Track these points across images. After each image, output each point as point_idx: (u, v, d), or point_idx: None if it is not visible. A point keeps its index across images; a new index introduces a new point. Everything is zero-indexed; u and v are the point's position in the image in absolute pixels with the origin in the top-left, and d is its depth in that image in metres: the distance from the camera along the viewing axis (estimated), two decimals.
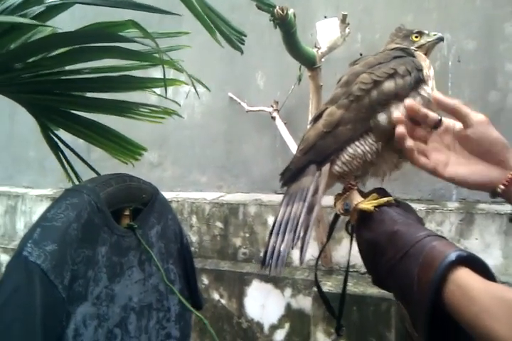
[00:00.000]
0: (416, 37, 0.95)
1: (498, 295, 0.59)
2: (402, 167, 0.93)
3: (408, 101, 0.81)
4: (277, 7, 1.73)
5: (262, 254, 0.86)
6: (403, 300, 0.74)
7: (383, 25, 2.59)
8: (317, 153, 0.88)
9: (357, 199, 0.86)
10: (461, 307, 0.61)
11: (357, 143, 0.86)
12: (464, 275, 0.63)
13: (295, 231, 0.82)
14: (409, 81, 0.85)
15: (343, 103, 0.88)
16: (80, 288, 0.93)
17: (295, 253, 2.56)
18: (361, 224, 0.85)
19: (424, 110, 0.80)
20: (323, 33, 2.31)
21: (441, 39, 0.96)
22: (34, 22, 1.11)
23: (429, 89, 0.86)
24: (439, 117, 0.80)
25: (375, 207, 0.83)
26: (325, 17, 2.56)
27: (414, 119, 0.82)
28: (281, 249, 0.82)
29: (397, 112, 0.82)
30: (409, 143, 0.79)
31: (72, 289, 0.90)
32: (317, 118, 0.92)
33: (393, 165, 0.91)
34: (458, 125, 0.77)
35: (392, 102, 0.84)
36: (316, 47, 2.29)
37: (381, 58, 0.90)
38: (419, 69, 0.87)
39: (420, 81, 0.86)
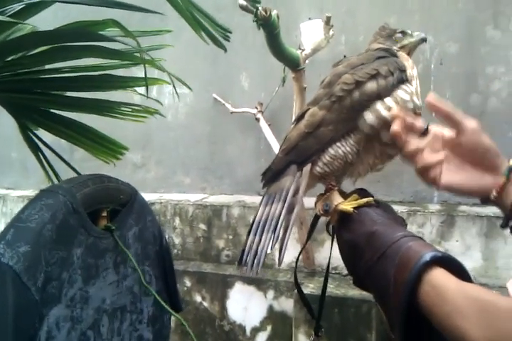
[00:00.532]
0: (399, 37, 0.95)
1: (471, 295, 0.59)
2: (378, 169, 0.93)
3: (392, 112, 0.80)
4: (260, 8, 1.73)
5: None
6: (380, 301, 0.74)
7: (367, 26, 2.60)
8: (298, 153, 0.88)
9: (337, 200, 0.86)
10: (435, 307, 0.61)
11: (338, 144, 0.86)
12: (439, 276, 0.63)
13: (274, 231, 0.83)
14: (392, 81, 0.84)
15: (325, 104, 0.88)
16: (54, 289, 0.91)
17: (277, 255, 2.55)
18: (341, 225, 0.85)
19: (410, 118, 0.79)
20: (307, 35, 2.31)
21: (423, 40, 0.96)
22: (12, 20, 1.09)
23: (413, 89, 0.86)
24: (425, 125, 0.79)
25: (354, 208, 0.83)
26: (309, 19, 2.56)
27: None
28: (259, 249, 0.82)
29: (393, 109, 0.81)
30: (412, 145, 0.78)
31: (46, 291, 0.88)
32: (299, 118, 0.92)
33: (369, 166, 0.91)
34: (446, 132, 0.76)
35: (374, 102, 0.84)
36: (300, 48, 2.29)
37: (364, 59, 0.90)
38: (402, 70, 0.87)
39: (403, 81, 0.86)
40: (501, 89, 2.36)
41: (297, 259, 1.05)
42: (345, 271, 2.32)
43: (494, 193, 0.71)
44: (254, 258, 0.82)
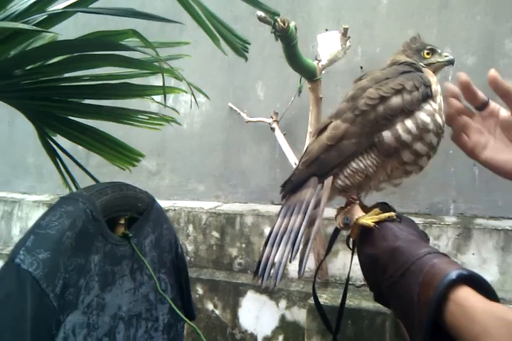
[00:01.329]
0: (428, 54, 0.95)
1: (499, 316, 0.57)
2: (395, 184, 0.92)
3: (463, 76, 0.78)
4: (279, 19, 1.74)
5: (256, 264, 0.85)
6: (403, 318, 0.73)
7: (384, 39, 2.61)
8: (320, 166, 0.88)
9: (358, 214, 0.87)
10: (462, 328, 0.60)
11: (360, 157, 0.86)
12: (465, 295, 0.62)
13: (293, 244, 0.82)
14: (417, 97, 0.84)
15: (348, 117, 0.87)
16: (71, 296, 0.92)
17: (291, 264, 2.55)
18: (363, 240, 0.84)
19: (474, 87, 0.77)
20: (324, 46, 2.32)
21: (451, 62, 0.95)
22: (36, 28, 1.11)
23: (436, 106, 0.86)
24: (487, 99, 0.78)
25: (375, 222, 0.82)
26: (326, 30, 2.58)
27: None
28: (277, 262, 0.81)
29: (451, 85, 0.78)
30: (462, 119, 0.76)
31: (63, 297, 0.89)
32: (321, 131, 0.92)
33: (387, 180, 0.90)
34: (503, 112, 0.75)
35: (398, 118, 0.83)
36: (316, 59, 2.30)
37: (388, 73, 0.90)
38: (427, 85, 0.87)
39: (428, 97, 0.86)
40: None
41: (315, 273, 1.05)
42: (358, 282, 2.31)
43: None
44: (271, 270, 0.81)
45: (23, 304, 0.79)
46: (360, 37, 2.61)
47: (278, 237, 0.84)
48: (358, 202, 0.89)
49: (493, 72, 0.73)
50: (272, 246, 0.84)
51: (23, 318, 0.79)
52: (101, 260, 1.02)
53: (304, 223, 0.83)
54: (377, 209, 0.86)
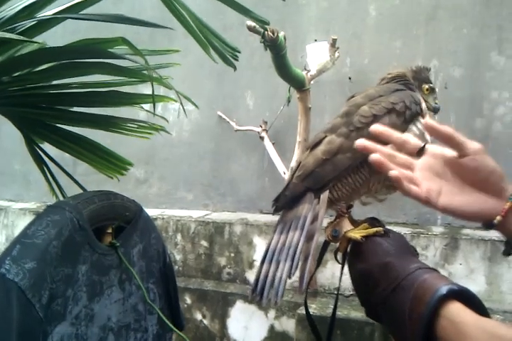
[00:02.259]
0: (427, 90, 0.96)
1: (490, 331, 0.57)
2: (380, 199, 0.93)
3: (373, 127, 0.74)
4: (268, 29, 1.75)
5: (253, 281, 0.84)
6: (395, 333, 0.72)
7: (372, 50, 2.64)
8: (315, 180, 0.88)
9: (346, 227, 0.87)
10: None
11: (351, 171, 0.87)
12: (456, 310, 0.62)
13: (293, 260, 0.81)
14: (407, 116, 0.86)
15: (343, 132, 0.88)
16: (59, 307, 0.90)
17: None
18: (353, 255, 0.84)
19: (399, 136, 0.74)
20: (313, 56, 2.35)
21: (435, 110, 0.96)
22: (21, 37, 1.10)
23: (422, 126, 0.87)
24: (423, 143, 0.74)
25: (363, 236, 0.82)
26: (315, 40, 2.60)
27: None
28: (278, 278, 0.80)
29: (361, 139, 0.74)
30: (394, 171, 0.70)
31: (50, 308, 0.88)
32: (315, 145, 0.92)
33: (373, 194, 0.91)
34: (448, 152, 0.71)
35: None
36: (305, 69, 2.32)
37: (382, 91, 0.91)
38: (418, 103, 0.89)
39: (417, 114, 0.88)
40: (506, 114, 2.38)
41: (307, 285, 1.03)
42: (347, 292, 2.30)
43: (498, 218, 0.66)
44: (271, 288, 0.79)
45: (8, 314, 0.78)
46: (349, 48, 2.63)
47: (276, 254, 0.83)
48: (347, 215, 0.90)
49: (428, 121, 0.70)
50: (270, 263, 0.82)
51: (8, 329, 0.78)
52: (88, 270, 1.00)
53: (302, 238, 0.82)
54: (366, 224, 0.86)
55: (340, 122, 0.90)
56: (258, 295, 0.80)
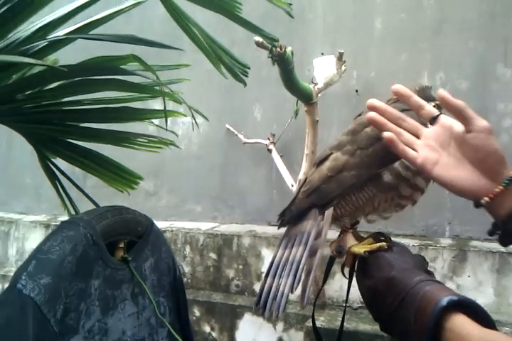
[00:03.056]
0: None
1: None
2: (385, 217, 0.94)
3: (395, 86, 0.75)
4: (276, 45, 1.78)
5: (257, 294, 0.86)
6: None
7: (378, 63, 2.66)
8: (320, 196, 0.89)
9: (350, 242, 0.88)
10: None
11: (355, 189, 0.88)
12: (461, 323, 0.63)
13: (295, 275, 0.82)
14: None
15: (348, 149, 0.89)
16: (72, 321, 0.92)
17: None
18: (360, 271, 0.86)
19: (418, 99, 0.75)
20: (320, 70, 2.37)
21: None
22: (32, 61, 1.12)
23: None
24: (437, 113, 0.75)
25: (367, 251, 0.84)
26: (322, 54, 2.63)
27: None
28: (280, 293, 0.82)
29: (372, 113, 0.77)
30: (387, 133, 0.73)
31: (64, 322, 0.89)
32: (322, 161, 0.93)
33: (375, 212, 0.92)
34: (457, 126, 0.71)
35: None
36: (312, 82, 2.35)
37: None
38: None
39: None
40: None
41: (315, 300, 1.05)
42: (355, 305, 2.30)
43: (486, 199, 0.68)
44: (273, 302, 0.81)
45: (24, 329, 0.80)
46: (356, 61, 2.66)
47: (279, 268, 0.85)
48: (351, 230, 0.91)
49: (441, 92, 0.70)
50: (274, 277, 0.84)
51: None
52: (101, 284, 1.02)
53: (306, 254, 0.84)
54: (370, 239, 0.88)
55: (346, 140, 0.91)
56: (261, 308, 0.82)
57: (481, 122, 0.69)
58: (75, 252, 0.93)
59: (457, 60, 2.50)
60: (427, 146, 0.73)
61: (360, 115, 0.96)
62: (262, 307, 0.82)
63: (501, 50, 2.42)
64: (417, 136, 0.76)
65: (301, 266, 0.83)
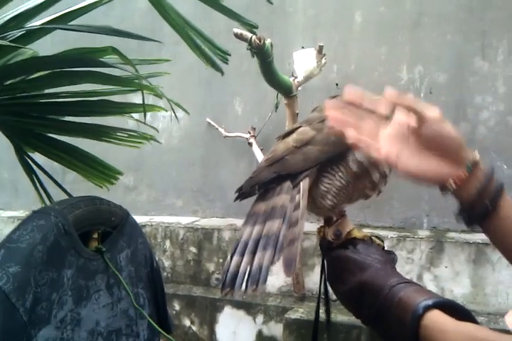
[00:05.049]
0: None
1: (469, 335, 0.59)
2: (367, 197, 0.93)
3: (349, 94, 0.72)
4: (254, 36, 1.78)
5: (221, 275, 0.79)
6: None
7: (358, 56, 2.68)
8: (284, 166, 0.86)
9: (349, 227, 0.87)
10: None
11: (340, 174, 0.85)
12: (434, 318, 0.63)
13: (275, 246, 0.75)
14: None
15: (316, 126, 0.88)
16: (43, 311, 0.91)
17: (268, 279, 2.54)
18: (332, 275, 0.83)
19: (370, 102, 0.72)
20: (300, 63, 2.37)
21: None
22: (12, 44, 1.11)
23: None
24: (387, 112, 0.72)
25: (368, 237, 0.84)
26: (302, 47, 2.63)
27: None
28: (255, 268, 0.74)
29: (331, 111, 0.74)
30: (352, 136, 0.72)
31: (35, 312, 0.89)
32: (288, 134, 0.91)
33: (351, 200, 0.90)
34: (411, 121, 0.70)
35: None
36: (292, 76, 2.34)
37: None
38: None
39: None
40: (489, 119, 2.42)
41: (326, 291, 0.96)
42: (334, 296, 2.31)
43: (452, 183, 0.68)
44: (248, 277, 0.74)
45: None
46: (336, 54, 2.67)
47: (250, 245, 0.78)
48: (346, 215, 0.89)
49: (388, 91, 0.70)
50: (242, 255, 0.77)
51: None
52: (74, 274, 1.01)
53: (284, 226, 0.78)
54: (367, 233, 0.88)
55: (317, 116, 0.90)
56: (228, 287, 0.75)
57: (432, 111, 0.69)
58: (45, 241, 0.92)
59: (436, 53, 2.52)
60: (388, 142, 0.72)
61: (334, 97, 0.95)
62: (228, 285, 0.75)
63: (479, 43, 2.45)
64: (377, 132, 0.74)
65: (281, 237, 0.76)
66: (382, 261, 0.78)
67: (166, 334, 1.24)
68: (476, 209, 0.68)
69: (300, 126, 0.90)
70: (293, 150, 0.87)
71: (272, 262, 0.74)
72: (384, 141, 0.73)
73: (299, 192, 0.84)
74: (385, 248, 0.89)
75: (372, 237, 0.85)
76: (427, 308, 0.63)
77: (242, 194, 0.90)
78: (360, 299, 0.74)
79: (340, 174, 0.86)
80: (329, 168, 0.87)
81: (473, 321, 0.64)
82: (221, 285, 0.76)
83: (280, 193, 0.84)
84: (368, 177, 0.85)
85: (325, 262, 0.88)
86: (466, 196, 0.69)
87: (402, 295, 0.68)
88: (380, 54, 2.64)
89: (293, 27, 2.87)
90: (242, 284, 0.74)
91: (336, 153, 0.85)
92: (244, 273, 0.74)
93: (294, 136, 0.89)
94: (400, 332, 0.66)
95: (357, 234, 0.84)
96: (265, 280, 0.73)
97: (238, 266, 0.76)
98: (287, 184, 0.85)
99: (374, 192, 0.88)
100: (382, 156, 0.72)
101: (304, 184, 0.85)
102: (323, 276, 0.91)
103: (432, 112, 0.69)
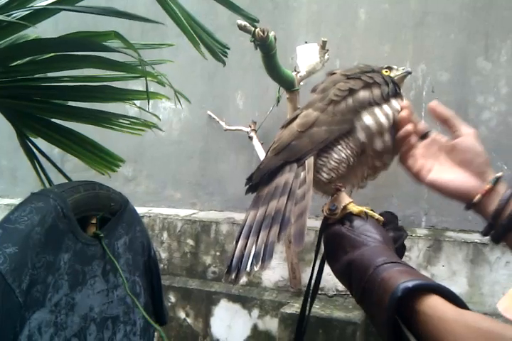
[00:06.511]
0: (386, 71, 0.95)
1: (473, 326, 0.55)
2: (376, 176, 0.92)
3: (404, 112, 0.83)
4: (258, 28, 1.77)
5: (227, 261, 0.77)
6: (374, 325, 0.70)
7: (361, 53, 2.67)
8: (291, 152, 0.85)
9: (345, 201, 0.82)
10: (435, 338, 0.57)
11: (340, 147, 0.84)
12: (432, 304, 0.60)
13: (281, 223, 0.74)
14: (387, 90, 0.85)
15: (318, 106, 0.86)
16: (38, 293, 0.90)
17: (265, 273, 2.55)
18: (327, 253, 0.81)
19: (415, 120, 0.83)
20: (302, 58, 2.37)
21: (409, 72, 0.96)
22: (20, 21, 1.09)
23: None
24: (428, 129, 0.83)
25: (365, 212, 0.79)
26: (305, 42, 2.62)
27: None
28: (259, 245, 0.73)
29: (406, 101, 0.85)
30: (410, 142, 0.82)
31: (30, 294, 0.88)
32: (291, 120, 0.90)
33: (361, 177, 0.89)
34: (443, 138, 0.81)
35: (371, 108, 0.84)
36: (295, 70, 2.34)
37: (362, 68, 0.91)
38: (396, 83, 0.89)
39: (397, 95, 0.87)
40: (491, 119, 2.42)
41: (309, 284, 0.91)
42: (331, 292, 2.32)
43: (479, 196, 0.73)
44: (253, 258, 0.73)
45: None
46: (339, 50, 2.66)
47: (255, 227, 0.76)
48: (343, 189, 0.85)
49: (432, 103, 0.81)
50: (247, 237, 0.76)
51: None
52: (71, 259, 1.00)
53: (290, 202, 0.77)
54: (368, 207, 0.82)
55: (317, 97, 0.88)
56: (234, 271, 0.73)
57: (466, 128, 0.78)
58: (43, 223, 0.91)
59: (439, 52, 2.52)
60: (423, 156, 0.82)
61: (332, 74, 0.94)
62: (234, 269, 0.73)
63: (482, 43, 2.45)
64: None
65: (287, 213, 0.75)
66: (378, 239, 0.75)
67: (156, 325, 1.22)
68: (501, 222, 0.71)
69: (302, 111, 0.89)
70: (298, 135, 0.86)
71: (278, 238, 0.73)
72: (419, 155, 0.82)
73: (304, 169, 0.84)
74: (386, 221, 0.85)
75: (369, 212, 0.81)
76: (408, 290, 0.60)
77: (252, 186, 0.89)
78: (348, 278, 0.73)
79: (339, 147, 0.85)
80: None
81: (464, 306, 0.60)
82: (225, 271, 0.75)
83: (283, 173, 0.84)
84: (371, 148, 0.84)
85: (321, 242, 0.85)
86: (489, 209, 0.73)
87: (384, 275, 0.65)
88: (383, 51, 2.63)
89: (296, 22, 2.87)
90: (247, 265, 0.72)
91: (343, 131, 0.84)
92: (249, 254, 0.73)
93: (297, 120, 0.88)
94: (380, 316, 0.63)
95: (352, 208, 0.80)
96: (271, 256, 0.72)
97: (243, 250, 0.75)
98: (292, 165, 0.84)
99: (380, 163, 0.87)
100: (415, 170, 0.82)
101: (309, 160, 0.84)
102: (316, 261, 0.87)
103: (468, 127, 0.79)
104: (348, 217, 0.80)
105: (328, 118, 0.85)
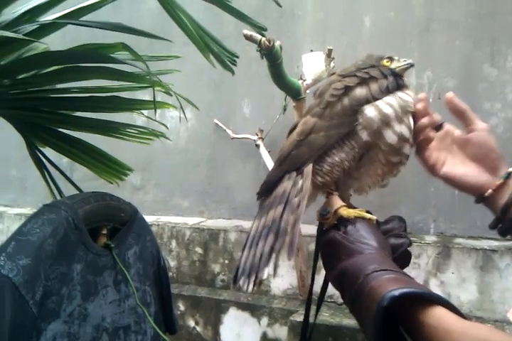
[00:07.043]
0: (387, 62, 0.89)
1: (483, 339, 0.54)
2: (383, 185, 0.89)
3: (421, 104, 0.82)
4: (264, 38, 1.79)
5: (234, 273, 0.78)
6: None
7: None
8: (292, 162, 0.84)
9: (337, 205, 0.81)
10: None
11: (334, 151, 0.83)
12: (437, 315, 0.58)
13: (276, 232, 0.75)
14: (385, 84, 0.82)
15: (316, 111, 0.85)
16: (53, 304, 0.92)
17: (273, 281, 2.55)
18: (324, 262, 0.80)
19: (430, 111, 0.82)
20: (308, 66, 2.38)
21: (411, 65, 0.90)
22: (25, 37, 1.12)
23: (412, 95, 0.84)
24: (442, 121, 0.83)
25: (356, 216, 0.78)
26: (311, 50, 2.63)
27: None
28: (265, 255, 0.74)
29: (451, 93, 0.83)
30: (427, 134, 0.82)
31: (45, 305, 0.89)
32: (293, 129, 0.89)
33: (376, 178, 0.86)
34: (456, 131, 0.81)
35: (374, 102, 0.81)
36: (301, 78, 2.35)
37: (359, 65, 0.88)
38: (398, 75, 0.85)
39: (401, 86, 0.84)
40: (497, 125, 2.41)
41: (312, 288, 0.95)
42: (340, 300, 2.31)
43: (490, 191, 0.75)
44: (257, 267, 0.73)
45: (1, 310, 0.79)
46: (344, 58, 2.67)
47: (256, 238, 0.78)
48: (336, 193, 0.84)
49: (449, 94, 0.82)
50: (251, 248, 0.77)
51: (1, 324, 0.79)
52: (83, 269, 1.01)
53: (286, 210, 0.77)
54: (363, 209, 0.81)
55: (315, 102, 0.87)
56: (241, 277, 0.74)
57: (482, 123, 0.79)
58: (55, 235, 0.92)
59: (445, 59, 2.52)
60: (437, 149, 0.82)
61: (332, 74, 0.93)
62: (240, 277, 0.74)
63: (488, 50, 2.45)
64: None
65: (282, 223, 0.76)
66: (374, 245, 0.73)
67: (162, 334, 1.23)
68: (509, 215, 0.73)
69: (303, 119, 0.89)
70: (297, 144, 0.85)
71: (272, 248, 0.74)
72: (433, 147, 0.82)
73: (302, 177, 0.83)
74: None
75: (361, 213, 0.79)
76: (395, 299, 0.58)
77: (261, 199, 0.88)
78: (341, 287, 0.72)
79: (333, 151, 0.84)
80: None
81: (459, 314, 0.58)
82: (233, 281, 0.77)
83: (283, 182, 0.84)
84: (378, 147, 0.81)
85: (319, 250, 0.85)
86: (499, 203, 0.74)
87: (373, 284, 0.63)
88: None
89: (302, 30, 2.88)
90: (242, 277, 0.74)
91: (342, 134, 0.83)
92: (246, 265, 0.75)
93: (297, 129, 0.87)
94: (370, 324, 0.61)
95: (343, 212, 0.79)
96: (265, 266, 0.73)
97: (247, 259, 0.76)
98: (291, 173, 0.84)
99: (396, 158, 0.83)
100: (431, 161, 0.82)
101: (307, 168, 0.84)
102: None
103: (483, 122, 0.79)
104: (343, 222, 0.79)
105: (326, 123, 0.83)
